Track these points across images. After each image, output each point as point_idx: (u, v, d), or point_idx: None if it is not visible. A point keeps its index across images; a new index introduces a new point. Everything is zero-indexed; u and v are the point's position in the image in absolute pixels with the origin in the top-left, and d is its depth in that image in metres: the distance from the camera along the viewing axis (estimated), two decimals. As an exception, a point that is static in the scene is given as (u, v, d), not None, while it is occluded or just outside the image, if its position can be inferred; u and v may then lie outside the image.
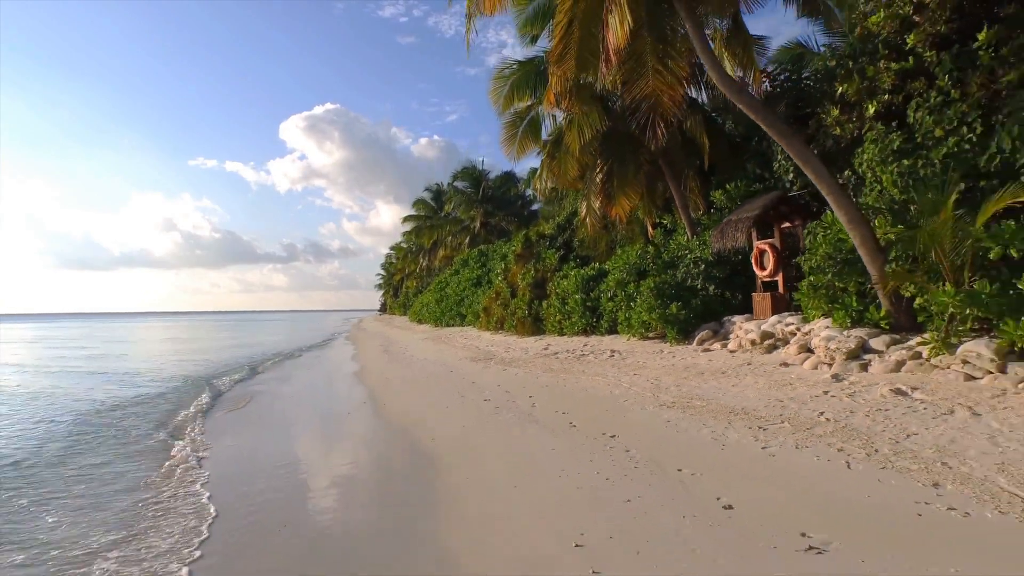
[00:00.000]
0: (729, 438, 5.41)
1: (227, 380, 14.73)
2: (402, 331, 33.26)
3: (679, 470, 4.66)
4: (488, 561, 3.47)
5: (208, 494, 5.27)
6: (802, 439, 5.15)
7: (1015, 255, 6.52)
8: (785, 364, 8.84)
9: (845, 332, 8.61)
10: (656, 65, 8.74)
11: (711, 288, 12.52)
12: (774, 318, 10.68)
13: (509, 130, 15.20)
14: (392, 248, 72.09)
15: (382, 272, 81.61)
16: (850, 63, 9.36)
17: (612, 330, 14.79)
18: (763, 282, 11.48)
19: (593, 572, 3.15)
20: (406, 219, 48.86)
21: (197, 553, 3.98)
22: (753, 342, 10.38)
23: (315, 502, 4.93)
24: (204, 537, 4.25)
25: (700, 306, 12.35)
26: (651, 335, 13.17)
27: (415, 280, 53.23)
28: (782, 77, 12.26)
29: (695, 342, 11.63)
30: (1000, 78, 6.86)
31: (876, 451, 4.66)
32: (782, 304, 11.03)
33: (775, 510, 3.73)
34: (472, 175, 38.67)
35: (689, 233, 13.47)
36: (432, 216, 45.87)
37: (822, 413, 5.95)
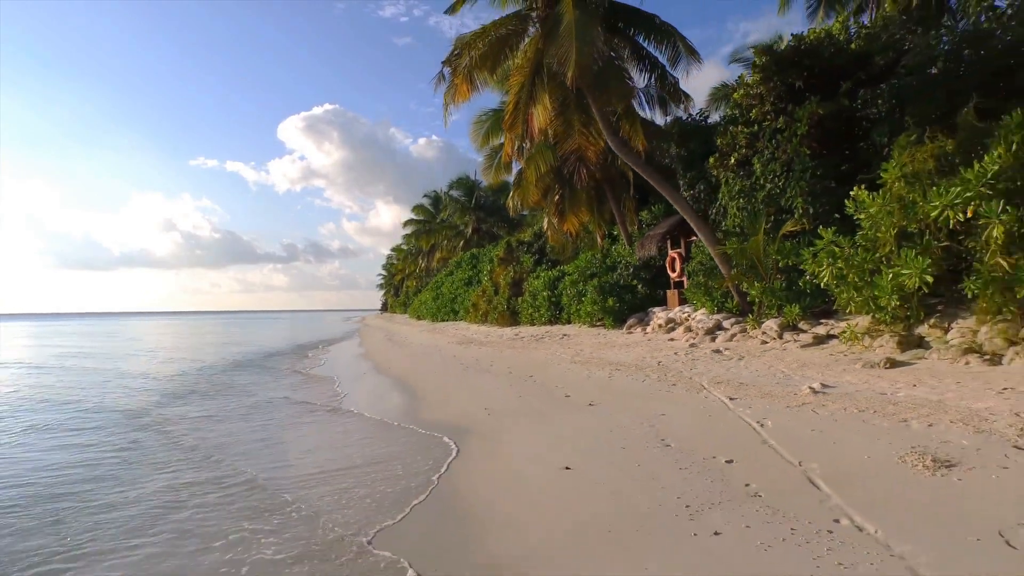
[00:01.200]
0: (595, 375, 9.12)
1: (313, 351, 22.15)
2: (402, 326, 36.96)
3: (556, 387, 8.38)
4: (441, 416, 7.27)
5: (335, 377, 11.98)
6: (632, 373, 8.86)
7: (791, 263, 10.23)
8: (672, 339, 12.52)
9: (711, 316, 12.33)
10: (581, 128, 12.42)
11: (640, 286, 16.22)
12: (677, 309, 14.39)
13: (487, 162, 19.08)
14: (393, 249, 75.96)
15: (383, 272, 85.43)
16: (723, 121, 13.08)
17: (570, 321, 18.49)
18: (674, 281, 15.19)
19: (489, 415, 6.88)
20: (407, 223, 52.59)
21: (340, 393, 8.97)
22: (660, 326, 14.09)
23: (366, 392, 9.78)
24: (339, 387, 9.62)
25: (632, 300, 16.06)
26: (597, 323, 16.87)
27: (415, 280, 56.94)
28: (692, 124, 15.98)
29: (625, 328, 15.33)
30: (788, 150, 10.56)
31: (666, 376, 8.36)
32: (685, 298, 14.71)
33: (587, 396, 7.44)
34: (466, 184, 42.36)
35: (627, 243, 17.17)
36: (430, 221, 49.54)
37: (660, 362, 9.65)
